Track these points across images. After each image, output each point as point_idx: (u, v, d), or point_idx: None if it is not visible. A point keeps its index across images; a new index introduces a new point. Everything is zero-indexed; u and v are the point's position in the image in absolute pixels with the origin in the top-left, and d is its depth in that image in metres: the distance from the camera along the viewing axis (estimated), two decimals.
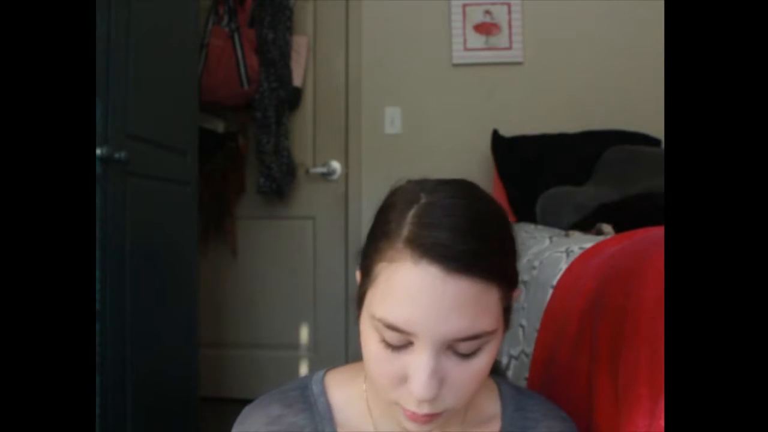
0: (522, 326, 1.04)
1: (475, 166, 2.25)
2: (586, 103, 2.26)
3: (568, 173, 1.95)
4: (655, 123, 1.95)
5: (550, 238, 1.30)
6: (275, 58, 2.17)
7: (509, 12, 2.31)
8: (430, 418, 0.54)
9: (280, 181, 2.21)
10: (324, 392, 0.65)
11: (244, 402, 0.67)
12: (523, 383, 0.96)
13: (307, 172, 2.34)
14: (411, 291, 0.51)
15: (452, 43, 2.33)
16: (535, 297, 1.01)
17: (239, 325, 2.37)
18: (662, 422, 0.56)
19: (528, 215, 1.91)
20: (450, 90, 2.34)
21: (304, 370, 2.37)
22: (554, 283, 0.94)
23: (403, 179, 0.61)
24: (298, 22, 2.31)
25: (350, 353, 2.30)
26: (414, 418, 0.54)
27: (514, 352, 1.06)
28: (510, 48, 2.31)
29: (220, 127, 2.28)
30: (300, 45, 2.29)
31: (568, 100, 2.28)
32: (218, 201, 2.31)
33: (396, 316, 0.51)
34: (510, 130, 2.18)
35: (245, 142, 2.32)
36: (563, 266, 0.95)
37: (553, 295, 0.92)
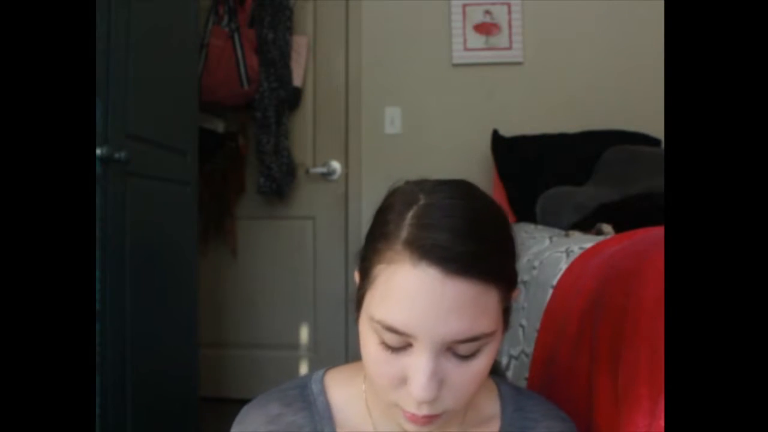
0: (522, 326, 1.04)
1: (475, 166, 2.25)
2: (586, 103, 2.26)
3: (568, 173, 1.95)
4: (655, 123, 1.95)
5: (550, 238, 1.30)
6: (275, 58, 2.17)
7: (509, 12, 2.31)
8: (430, 419, 0.54)
9: (280, 181, 2.21)
10: (323, 391, 0.65)
11: (244, 402, 0.67)
12: (523, 383, 0.96)
13: (307, 172, 2.34)
14: (410, 293, 0.51)
15: (452, 43, 2.33)
16: (535, 297, 1.01)
17: (239, 325, 2.37)
18: (662, 422, 0.56)
19: (528, 215, 1.91)
20: (450, 90, 2.34)
21: (304, 370, 2.37)
22: (554, 283, 0.94)
23: (401, 180, 0.61)
24: (298, 22, 2.31)
25: (350, 353, 2.30)
26: (413, 419, 0.54)
27: (514, 352, 1.06)
28: (510, 48, 2.31)
29: (220, 127, 2.28)
30: (300, 45, 2.29)
31: (568, 100, 2.28)
32: (218, 201, 2.31)
33: (395, 318, 0.51)
34: (510, 130, 2.18)
35: (245, 142, 2.32)
36: (563, 266, 0.95)
37: (553, 295, 0.92)
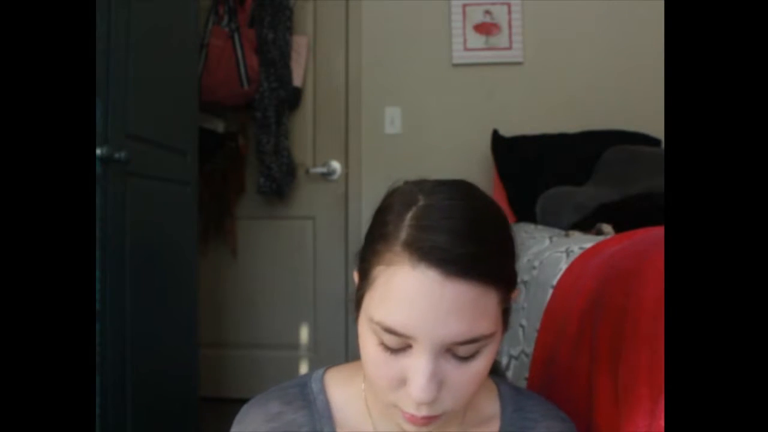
0: (522, 326, 1.04)
1: (475, 166, 2.25)
2: (586, 103, 2.26)
3: (568, 173, 1.95)
4: (655, 123, 1.95)
5: (550, 238, 1.30)
6: (275, 58, 2.17)
7: (509, 12, 2.31)
8: (429, 420, 0.54)
9: (280, 181, 2.21)
10: (323, 390, 0.65)
11: (244, 402, 0.67)
12: (523, 383, 0.96)
13: (307, 172, 2.34)
14: (409, 295, 0.51)
15: (452, 43, 2.33)
16: (535, 297, 1.01)
17: (239, 325, 2.37)
18: (662, 422, 0.56)
19: (528, 215, 1.91)
20: (450, 90, 2.34)
21: (304, 369, 2.37)
22: (554, 283, 0.94)
23: (400, 180, 0.61)
24: (298, 22, 2.31)
25: (350, 353, 2.30)
26: (413, 420, 0.54)
27: (514, 352, 1.06)
28: (510, 48, 2.31)
29: (220, 127, 2.28)
30: (300, 45, 2.29)
31: (568, 100, 2.28)
32: (218, 201, 2.31)
33: (394, 320, 0.51)
34: (510, 130, 2.18)
35: (245, 142, 2.32)
36: (563, 266, 0.95)
37: (553, 295, 0.92)
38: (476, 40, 2.32)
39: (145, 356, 1.37)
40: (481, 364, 0.54)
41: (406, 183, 0.60)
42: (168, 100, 1.55)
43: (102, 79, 1.19)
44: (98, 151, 1.15)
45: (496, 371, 0.73)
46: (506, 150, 2.13)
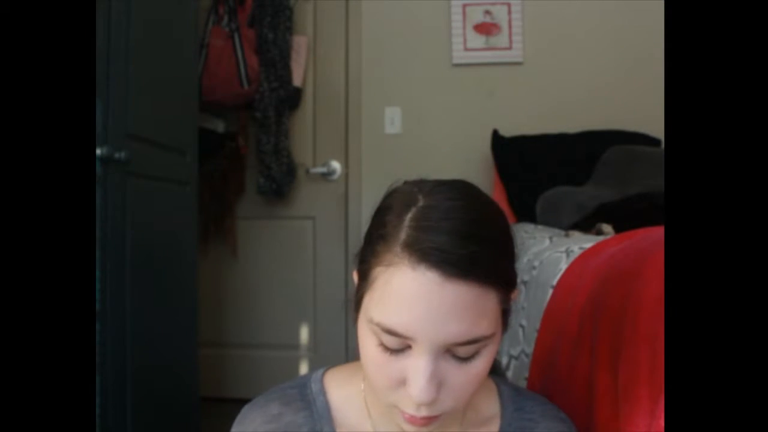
0: (522, 326, 1.04)
1: (475, 166, 2.25)
2: (586, 103, 2.26)
3: (568, 173, 1.95)
4: (655, 123, 1.95)
5: (550, 238, 1.30)
6: (275, 58, 2.17)
7: (509, 12, 2.31)
8: (429, 420, 0.54)
9: (280, 181, 2.21)
10: (323, 391, 0.65)
11: (244, 402, 0.67)
12: (523, 383, 0.96)
13: (307, 172, 2.34)
14: (409, 296, 0.50)
15: (452, 43, 2.33)
16: (535, 297, 1.01)
17: (239, 325, 2.37)
18: (662, 422, 0.56)
19: (528, 215, 1.91)
20: (450, 90, 2.34)
21: (304, 370, 2.37)
22: (554, 283, 0.94)
23: (400, 180, 0.61)
24: (298, 22, 2.31)
25: (350, 353, 2.30)
26: (412, 420, 0.54)
27: (514, 352, 1.06)
28: (510, 48, 2.31)
29: (220, 127, 2.28)
30: (300, 45, 2.29)
31: (568, 100, 2.28)
32: (218, 201, 2.32)
33: (394, 321, 0.51)
34: (510, 130, 2.18)
35: (245, 142, 2.32)
36: (563, 266, 0.95)
37: (553, 295, 0.92)
38: (476, 40, 2.32)
39: (145, 356, 1.37)
40: (480, 365, 0.54)
41: (406, 183, 0.59)
42: (168, 100, 1.55)
43: (102, 79, 1.19)
44: (98, 151, 1.16)
45: (496, 371, 0.73)
46: (506, 150, 2.13)
